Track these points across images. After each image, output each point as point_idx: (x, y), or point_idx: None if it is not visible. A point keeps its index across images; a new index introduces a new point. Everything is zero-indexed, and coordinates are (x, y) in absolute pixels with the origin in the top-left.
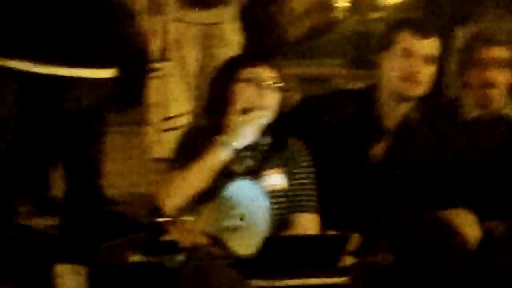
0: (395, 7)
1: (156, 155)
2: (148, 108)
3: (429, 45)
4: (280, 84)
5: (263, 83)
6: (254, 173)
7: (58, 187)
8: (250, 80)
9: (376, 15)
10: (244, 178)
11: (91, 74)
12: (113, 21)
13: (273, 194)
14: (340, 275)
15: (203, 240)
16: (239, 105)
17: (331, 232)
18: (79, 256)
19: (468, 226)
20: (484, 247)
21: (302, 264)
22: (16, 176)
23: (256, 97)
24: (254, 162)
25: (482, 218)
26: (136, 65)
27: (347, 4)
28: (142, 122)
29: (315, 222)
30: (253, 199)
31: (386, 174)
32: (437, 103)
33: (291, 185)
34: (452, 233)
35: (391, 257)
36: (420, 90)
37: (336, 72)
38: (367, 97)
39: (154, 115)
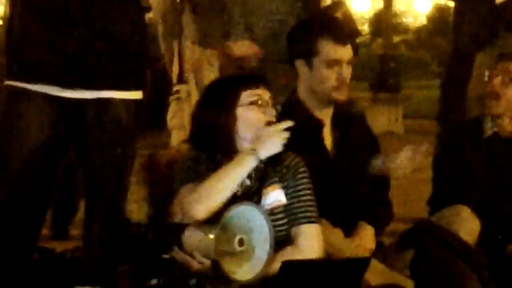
0: (418, 30)
1: None
2: (169, 131)
3: (348, 51)
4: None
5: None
6: (254, 193)
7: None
8: (254, 103)
9: (398, 38)
10: (244, 202)
11: (120, 96)
12: (140, 44)
13: (273, 211)
14: None
15: (207, 263)
16: (254, 126)
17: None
18: (98, 279)
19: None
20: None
21: None
22: (43, 199)
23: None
24: (251, 181)
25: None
26: (159, 88)
27: (370, 29)
28: (164, 146)
29: (317, 232)
30: (253, 224)
31: (338, 167)
32: (459, 122)
33: (289, 199)
34: None
35: None
36: (347, 92)
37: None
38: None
39: (174, 138)
